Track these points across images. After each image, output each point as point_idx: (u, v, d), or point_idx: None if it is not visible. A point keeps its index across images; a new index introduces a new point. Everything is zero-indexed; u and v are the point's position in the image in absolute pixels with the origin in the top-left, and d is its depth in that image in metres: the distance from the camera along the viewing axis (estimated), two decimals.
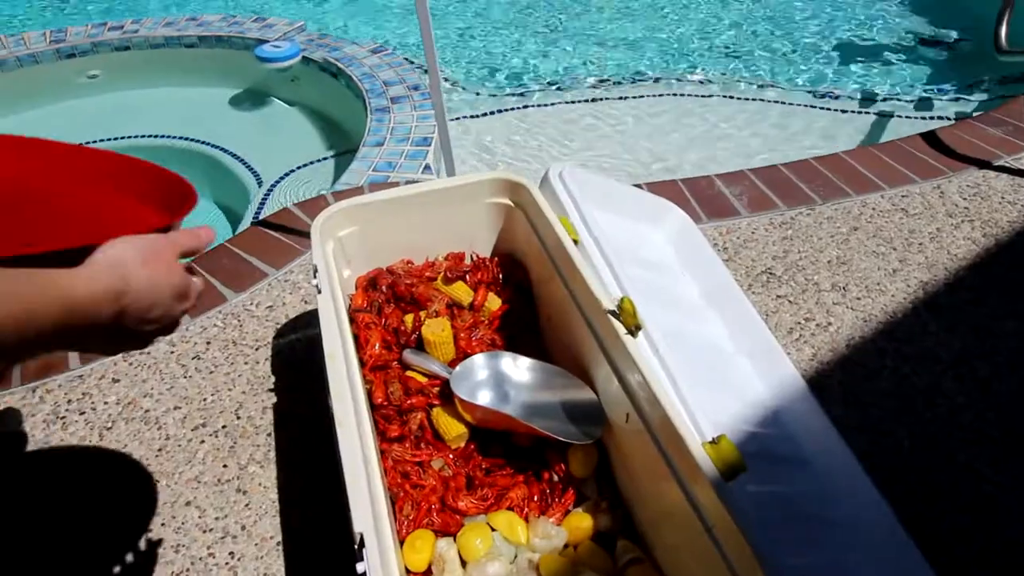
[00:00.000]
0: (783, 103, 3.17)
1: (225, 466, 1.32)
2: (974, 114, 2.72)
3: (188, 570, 1.15)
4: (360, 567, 0.75)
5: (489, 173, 1.39)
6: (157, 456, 1.33)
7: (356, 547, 0.78)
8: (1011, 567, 1.13)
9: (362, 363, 1.25)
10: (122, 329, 0.63)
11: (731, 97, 3.24)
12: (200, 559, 1.17)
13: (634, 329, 1.03)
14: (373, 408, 1.19)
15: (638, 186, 2.07)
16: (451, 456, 1.14)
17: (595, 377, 1.15)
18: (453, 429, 1.14)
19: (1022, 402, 1.39)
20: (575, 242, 1.23)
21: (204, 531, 1.22)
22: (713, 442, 0.87)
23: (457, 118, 3.08)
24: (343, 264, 1.35)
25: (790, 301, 1.65)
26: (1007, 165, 2.12)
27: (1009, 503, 1.21)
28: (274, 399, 1.44)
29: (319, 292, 1.13)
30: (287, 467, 1.31)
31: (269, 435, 1.37)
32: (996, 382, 1.43)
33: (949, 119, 2.93)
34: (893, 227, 1.88)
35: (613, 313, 1.06)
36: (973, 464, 1.28)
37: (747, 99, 3.22)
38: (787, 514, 1.08)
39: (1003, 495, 1.23)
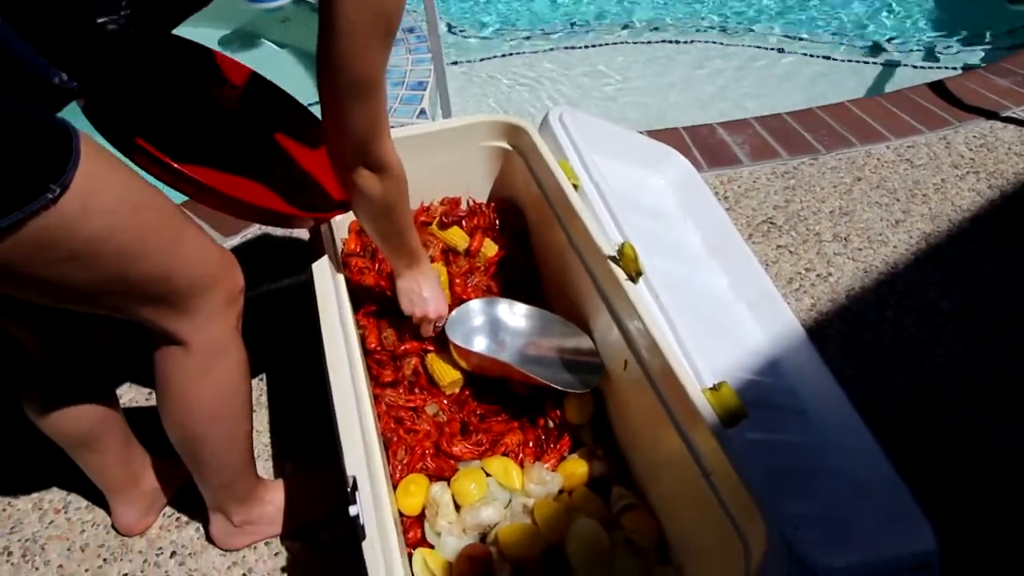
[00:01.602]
0: (789, 52, 3.09)
1: None
2: (982, 64, 2.66)
3: (178, 509, 1.14)
4: (353, 510, 0.74)
5: (487, 115, 1.35)
6: (147, 399, 1.32)
7: (349, 490, 0.76)
8: (1007, 517, 1.13)
9: (355, 308, 1.23)
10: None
11: (736, 45, 3.16)
12: (193, 499, 1.16)
13: (635, 275, 1.01)
14: (366, 353, 1.17)
15: (639, 133, 2.02)
16: (445, 402, 1.13)
17: (593, 324, 1.13)
18: (448, 375, 1.12)
19: (1021, 354, 1.38)
20: (575, 187, 1.20)
21: None
22: (714, 388, 0.86)
23: (455, 62, 2.99)
24: None
25: (791, 251, 1.63)
26: (1015, 116, 2.08)
27: (1006, 455, 1.21)
28: (266, 344, 1.42)
29: (310, 235, 1.10)
30: (279, 412, 1.29)
31: (261, 380, 1.35)
32: (996, 335, 1.42)
33: (957, 69, 2.86)
34: (897, 178, 1.85)
35: (613, 259, 1.03)
36: (971, 416, 1.27)
37: (752, 47, 3.14)
38: (784, 463, 1.08)
39: (1001, 447, 1.22)
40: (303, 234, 1.60)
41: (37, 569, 1.09)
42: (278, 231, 1.70)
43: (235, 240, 1.67)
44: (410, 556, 0.96)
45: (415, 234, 1.03)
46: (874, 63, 3.01)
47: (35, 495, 1.18)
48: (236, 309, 0.86)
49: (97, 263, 0.69)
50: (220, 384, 0.87)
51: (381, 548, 0.72)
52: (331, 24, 0.72)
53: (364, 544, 0.72)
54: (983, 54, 3.04)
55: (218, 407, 0.89)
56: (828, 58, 3.06)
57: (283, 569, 1.07)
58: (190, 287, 0.79)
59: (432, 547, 0.98)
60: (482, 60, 3.08)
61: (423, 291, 1.09)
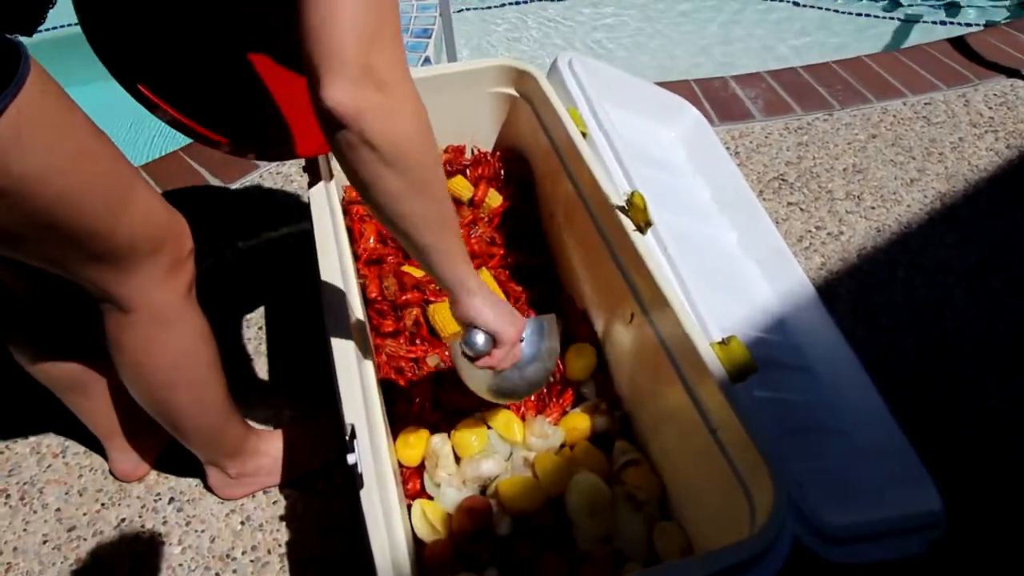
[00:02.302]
0: (806, 5, 2.99)
1: None
2: (1005, 20, 2.57)
3: (176, 456, 1.14)
4: (351, 458, 0.72)
5: (494, 60, 1.30)
6: None
7: (347, 438, 0.75)
8: (1012, 480, 1.12)
9: (356, 256, 1.20)
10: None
11: None
12: None
13: (644, 226, 0.97)
14: (367, 303, 1.15)
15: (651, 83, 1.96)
16: (447, 353, 1.11)
17: (599, 276, 1.10)
18: (451, 325, 1.10)
19: None
20: (583, 135, 1.16)
21: None
22: (722, 343, 0.83)
23: (461, 10, 2.91)
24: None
25: (802, 208, 1.59)
26: None
27: (1013, 418, 1.20)
28: (266, 292, 1.40)
29: (311, 182, 1.07)
30: (279, 361, 1.28)
31: (261, 328, 1.33)
32: (1009, 296, 1.39)
33: (980, 26, 2.77)
34: (913, 135, 1.80)
35: (622, 209, 1.00)
36: (979, 378, 1.25)
37: (768, 0, 3.04)
38: (791, 421, 1.06)
39: (1008, 410, 1.21)
40: (303, 182, 1.56)
41: (35, 512, 1.09)
42: (276, 178, 1.66)
43: (233, 185, 1.63)
44: (409, 507, 0.95)
45: (456, 219, 0.74)
46: (894, 18, 2.92)
47: (33, 439, 1.18)
48: (185, 274, 0.81)
49: (27, 206, 0.62)
50: (174, 352, 0.83)
51: (379, 497, 0.70)
52: None
53: (362, 493, 0.70)
54: (1007, 12, 2.94)
55: (175, 375, 0.85)
56: (846, 12, 2.97)
57: (281, 517, 1.07)
58: (132, 248, 0.73)
59: (431, 498, 0.97)
60: (490, 8, 2.99)
61: (506, 309, 0.81)
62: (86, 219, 0.68)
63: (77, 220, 0.67)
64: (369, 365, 0.86)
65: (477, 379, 0.88)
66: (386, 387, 1.08)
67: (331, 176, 1.08)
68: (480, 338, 0.78)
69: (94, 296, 0.78)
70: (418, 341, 1.11)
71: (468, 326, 0.78)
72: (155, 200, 0.77)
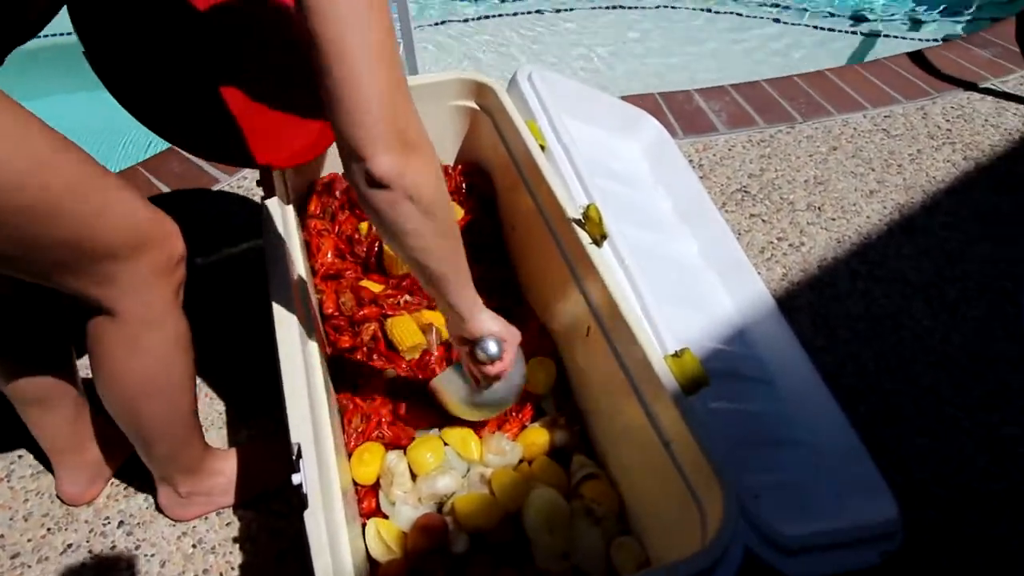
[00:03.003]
0: (768, 19, 3.04)
1: None
2: (963, 35, 2.63)
3: (126, 479, 1.11)
4: (296, 478, 0.70)
5: (453, 72, 1.30)
6: None
7: (293, 458, 0.73)
8: (965, 487, 1.13)
9: (314, 271, 1.19)
10: None
11: (717, 12, 3.10)
12: (142, 469, 1.12)
13: (599, 239, 0.97)
14: (324, 319, 1.13)
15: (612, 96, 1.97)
16: (404, 366, 1.10)
17: (557, 290, 1.10)
18: (408, 339, 1.09)
19: (988, 326, 1.37)
20: (542, 148, 1.16)
21: None
22: (676, 355, 0.83)
23: (419, 26, 2.91)
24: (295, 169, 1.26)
25: (764, 220, 1.60)
26: (993, 88, 2.06)
27: (968, 424, 1.21)
28: (225, 309, 1.37)
29: (264, 195, 1.05)
30: (236, 379, 1.25)
31: (218, 345, 1.30)
32: (964, 306, 1.41)
33: (938, 41, 2.84)
34: (873, 148, 1.82)
35: (578, 222, 1.00)
36: (935, 387, 1.27)
37: (733, 13, 3.08)
38: (750, 433, 1.06)
39: (963, 417, 1.22)
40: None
41: None
42: (237, 192, 1.64)
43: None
44: (364, 526, 0.93)
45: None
46: (856, 32, 2.98)
47: None
48: (172, 278, 0.80)
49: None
50: (152, 358, 0.82)
51: (324, 518, 0.69)
52: None
53: (306, 514, 0.69)
54: (965, 25, 3.01)
55: (150, 381, 0.84)
56: (809, 26, 3.02)
57: (234, 539, 1.04)
58: (112, 254, 0.73)
59: (387, 517, 0.95)
60: (447, 23, 3.00)
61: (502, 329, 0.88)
62: (57, 231, 0.68)
63: (47, 233, 0.67)
64: (319, 380, 0.84)
65: (462, 395, 0.98)
66: (341, 403, 1.06)
67: (286, 190, 1.07)
68: (494, 346, 0.86)
69: (78, 300, 0.77)
70: (375, 356, 1.10)
71: (478, 339, 0.86)
72: (134, 203, 0.76)
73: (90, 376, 0.85)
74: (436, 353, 1.11)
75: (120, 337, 0.79)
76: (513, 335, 0.90)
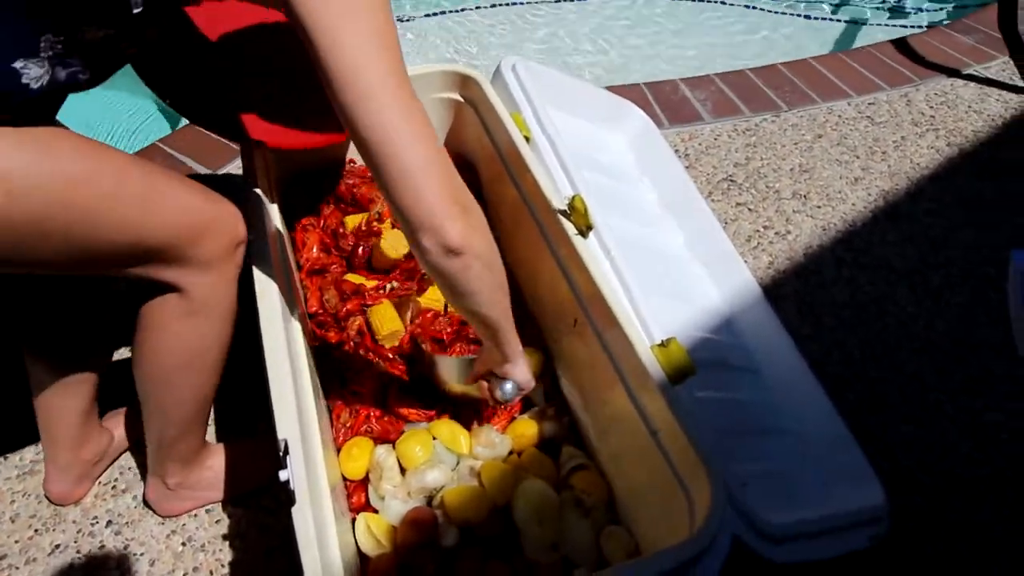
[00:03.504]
0: (754, 8, 3.04)
1: None
2: (946, 22, 2.64)
3: (114, 479, 1.10)
4: (283, 475, 0.70)
5: (437, 65, 1.29)
6: None
7: (280, 454, 0.73)
8: (949, 473, 1.14)
9: (299, 266, 1.18)
10: None
11: (701, 0, 3.10)
12: (129, 468, 1.12)
13: (585, 229, 0.97)
14: (310, 316, 1.13)
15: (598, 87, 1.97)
16: (391, 359, 1.09)
17: (544, 282, 1.10)
18: (386, 325, 1.08)
19: (972, 312, 1.39)
20: (527, 139, 1.15)
21: None
22: (662, 345, 0.84)
23: (402, 18, 2.89)
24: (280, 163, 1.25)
25: (750, 209, 1.61)
26: (976, 74, 2.07)
27: (951, 411, 1.22)
28: None
29: (248, 190, 1.04)
30: (228, 374, 1.24)
31: None
32: (948, 292, 1.42)
33: (923, 28, 2.85)
34: (858, 135, 1.83)
35: (564, 213, 1.00)
36: (920, 373, 1.28)
37: (717, 2, 3.08)
38: (737, 422, 1.07)
39: (947, 402, 1.23)
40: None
41: None
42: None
43: None
44: (353, 521, 0.93)
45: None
46: (840, 20, 2.98)
47: None
48: (233, 261, 0.83)
49: (49, 243, 0.68)
50: (201, 333, 0.84)
51: (312, 514, 0.69)
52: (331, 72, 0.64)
53: (293, 510, 0.69)
54: (947, 12, 3.02)
55: (195, 355, 0.86)
56: (794, 15, 3.02)
57: (224, 536, 1.04)
58: (171, 244, 0.76)
59: (376, 512, 0.95)
60: (433, 15, 2.98)
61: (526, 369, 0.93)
62: (109, 234, 0.71)
63: (101, 238, 0.71)
64: (306, 378, 0.84)
65: (455, 381, 1.02)
66: (329, 399, 1.06)
67: (270, 185, 1.06)
68: (513, 391, 0.92)
69: (142, 281, 0.80)
70: (361, 351, 1.09)
71: (504, 379, 0.91)
72: (186, 194, 0.78)
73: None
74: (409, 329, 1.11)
75: (180, 310, 0.81)
76: (530, 385, 0.94)
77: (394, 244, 1.17)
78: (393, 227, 1.22)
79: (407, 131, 0.65)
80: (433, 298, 1.15)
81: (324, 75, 0.64)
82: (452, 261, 0.69)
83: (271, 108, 1.03)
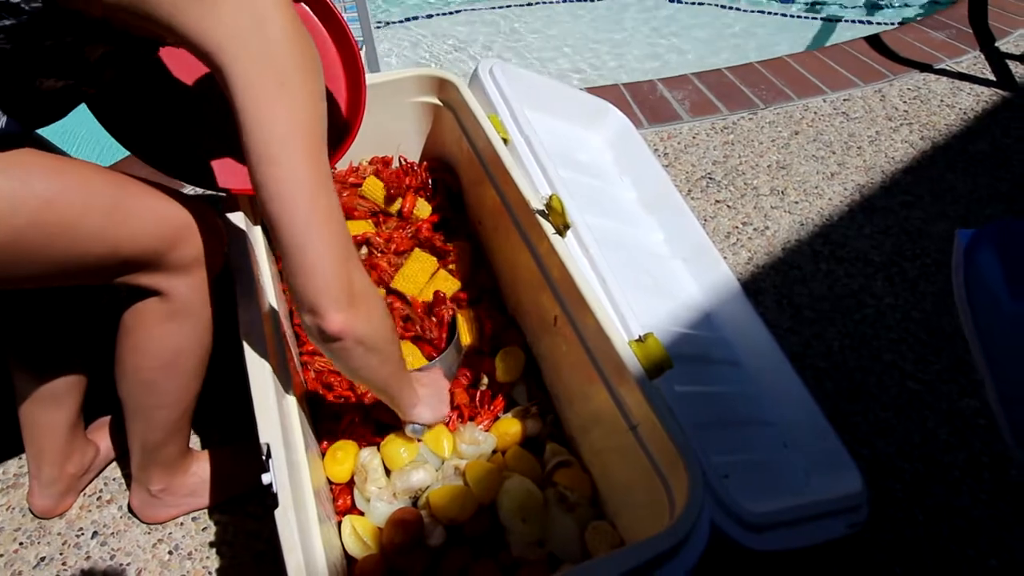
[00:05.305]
0: (731, 8, 3.08)
1: None
2: (918, 18, 2.68)
3: (98, 490, 1.10)
4: (266, 478, 0.71)
5: (414, 69, 1.30)
6: None
7: (263, 458, 0.73)
8: (928, 459, 1.16)
9: (281, 276, 1.18)
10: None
11: (677, 1, 3.13)
12: (114, 479, 1.12)
13: (562, 228, 0.98)
14: (292, 322, 1.13)
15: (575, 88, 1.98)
16: None
17: (524, 281, 1.11)
18: None
19: (946, 301, 1.41)
20: (505, 141, 1.16)
21: None
22: (639, 340, 0.85)
23: (379, 24, 2.89)
24: None
25: (729, 206, 1.63)
26: (948, 68, 2.11)
27: (929, 398, 1.24)
28: None
29: (227, 198, 1.05)
30: (210, 381, 1.24)
31: None
32: (924, 282, 1.45)
33: (895, 24, 2.89)
34: (833, 131, 1.86)
35: (542, 213, 1.01)
36: (898, 362, 1.30)
37: (694, 3, 3.11)
38: (718, 414, 1.08)
39: (924, 390, 1.25)
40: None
41: None
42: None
43: None
44: (340, 524, 0.94)
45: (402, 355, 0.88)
46: (815, 18, 3.02)
47: None
48: (213, 262, 0.84)
49: (26, 261, 0.70)
50: (183, 335, 0.86)
51: (294, 517, 0.69)
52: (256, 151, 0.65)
53: (276, 513, 0.69)
54: (917, 9, 3.07)
55: (177, 356, 0.87)
56: (770, 13, 3.05)
57: (211, 544, 1.04)
58: (151, 251, 0.77)
59: (362, 514, 0.96)
60: (410, 20, 2.99)
61: (438, 398, 1.00)
62: (84, 247, 0.72)
63: (76, 252, 0.72)
64: (288, 383, 0.84)
65: None
66: (314, 403, 1.06)
67: (253, 207, 1.07)
68: (419, 427, 0.98)
69: (123, 287, 0.82)
70: None
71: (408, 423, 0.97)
72: (159, 200, 0.79)
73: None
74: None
75: (161, 310, 0.83)
76: (441, 418, 1.00)
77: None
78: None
79: (310, 210, 0.66)
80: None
81: (239, 129, 0.65)
82: (330, 344, 0.72)
83: (231, 152, 1.01)
